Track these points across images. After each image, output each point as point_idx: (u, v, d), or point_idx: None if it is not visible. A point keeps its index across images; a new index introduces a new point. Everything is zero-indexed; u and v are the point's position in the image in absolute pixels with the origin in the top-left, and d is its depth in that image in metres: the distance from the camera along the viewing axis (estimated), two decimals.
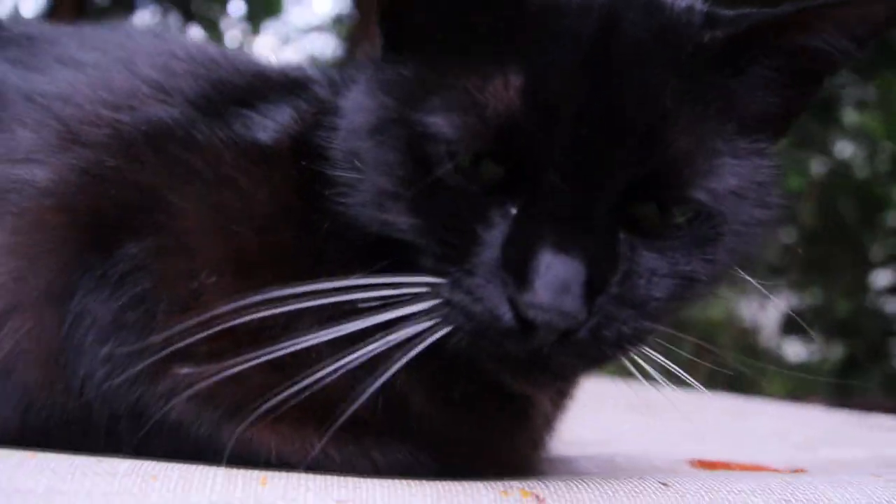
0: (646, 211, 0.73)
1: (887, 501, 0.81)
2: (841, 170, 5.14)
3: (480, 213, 0.71)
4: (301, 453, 0.78)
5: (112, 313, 0.78)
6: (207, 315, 0.74)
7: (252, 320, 0.74)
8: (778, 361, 5.38)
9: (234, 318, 0.74)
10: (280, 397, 0.74)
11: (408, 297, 0.72)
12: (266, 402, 0.75)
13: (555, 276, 0.66)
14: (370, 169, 0.75)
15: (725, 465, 1.08)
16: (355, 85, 0.82)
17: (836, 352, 5.85)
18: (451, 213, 0.72)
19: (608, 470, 1.07)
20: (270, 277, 0.76)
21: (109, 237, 0.79)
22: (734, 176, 0.74)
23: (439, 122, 0.71)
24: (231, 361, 0.74)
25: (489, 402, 0.82)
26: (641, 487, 0.78)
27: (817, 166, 4.64)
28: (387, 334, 0.72)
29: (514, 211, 0.71)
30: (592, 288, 0.68)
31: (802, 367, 5.52)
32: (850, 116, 5.42)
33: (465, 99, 0.70)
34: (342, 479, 0.73)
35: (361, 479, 0.74)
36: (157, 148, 0.82)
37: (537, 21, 0.72)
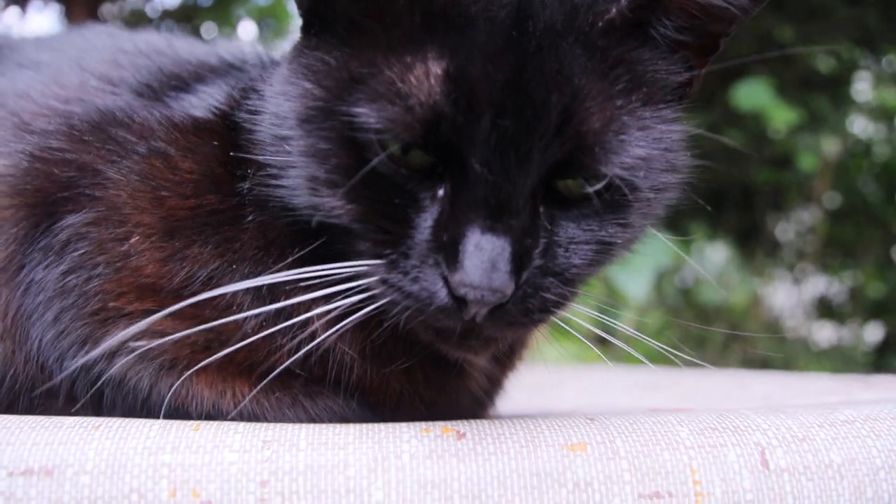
0: (566, 186, 0.77)
1: (819, 425, 0.83)
2: (857, 149, 5.07)
3: (412, 198, 0.76)
4: (233, 402, 0.83)
5: (55, 278, 0.84)
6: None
7: (176, 279, 0.80)
8: (809, 347, 5.31)
9: (161, 276, 0.80)
10: (213, 358, 0.80)
11: (345, 277, 0.77)
12: (199, 358, 0.80)
13: (483, 255, 0.71)
14: (301, 156, 0.78)
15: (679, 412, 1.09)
16: (279, 69, 0.85)
17: (870, 334, 5.75)
18: (384, 199, 0.76)
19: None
20: (196, 238, 0.82)
21: (53, 213, 0.85)
22: (641, 147, 0.78)
23: (367, 113, 0.73)
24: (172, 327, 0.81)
25: (421, 357, 0.86)
26: (567, 422, 0.81)
27: (832, 145, 4.58)
28: (322, 306, 0.78)
29: (441, 193, 0.75)
30: (518, 263, 0.73)
31: (835, 352, 5.44)
32: (864, 94, 5.35)
33: (389, 89, 0.73)
34: (270, 424, 0.78)
35: (288, 425, 0.78)
36: (99, 130, 0.88)
37: (453, 5, 0.75)
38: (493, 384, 1.00)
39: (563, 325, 0.86)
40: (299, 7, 0.83)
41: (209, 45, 1.08)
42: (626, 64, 0.78)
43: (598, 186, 0.77)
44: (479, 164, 0.72)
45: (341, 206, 0.77)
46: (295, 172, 0.79)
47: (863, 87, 5.52)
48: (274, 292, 0.81)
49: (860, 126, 5.40)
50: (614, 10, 0.78)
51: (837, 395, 1.54)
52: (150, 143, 0.86)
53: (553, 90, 0.73)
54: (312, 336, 0.81)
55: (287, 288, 0.81)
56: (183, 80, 0.97)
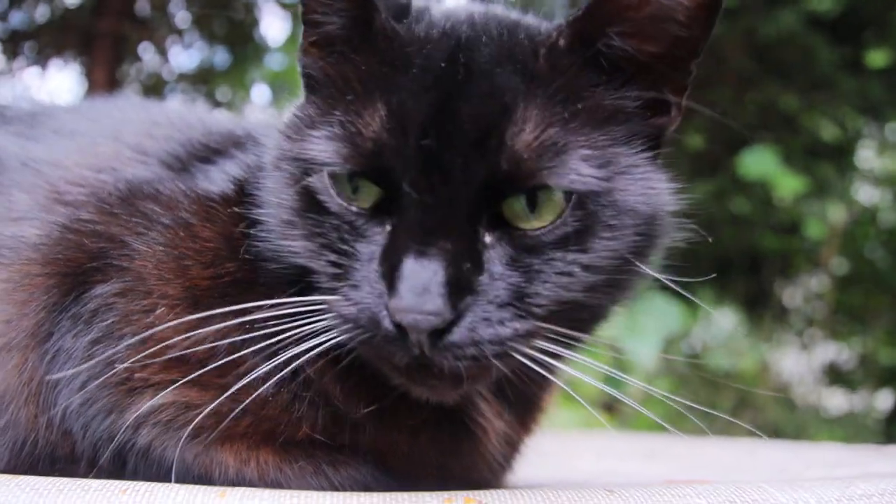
0: (511, 209, 0.77)
1: (836, 499, 0.84)
2: (864, 216, 5.10)
3: (362, 234, 0.79)
4: (257, 471, 0.84)
5: (83, 348, 0.86)
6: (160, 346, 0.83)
7: (200, 350, 0.82)
8: (819, 414, 5.25)
9: (186, 346, 0.82)
10: (231, 416, 0.83)
11: (311, 315, 0.79)
12: (224, 427, 0.82)
13: (415, 279, 0.73)
14: (274, 203, 0.84)
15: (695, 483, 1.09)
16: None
17: (881, 402, 5.68)
18: (337, 237, 0.79)
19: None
20: (217, 305, 0.84)
21: (83, 283, 0.88)
22: (591, 166, 0.77)
23: (320, 149, 0.80)
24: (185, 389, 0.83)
25: (435, 421, 0.88)
26: (586, 494, 0.82)
27: (838, 212, 4.62)
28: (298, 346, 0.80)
29: (389, 228, 0.78)
30: (455, 288, 0.74)
31: (846, 419, 5.37)
32: (868, 161, 5.41)
33: (343, 130, 0.79)
34: (295, 492, 0.79)
35: (312, 492, 0.79)
36: (127, 202, 0.92)
37: (402, 56, 0.80)
38: (511, 448, 1.00)
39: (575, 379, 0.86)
40: (300, 71, 0.90)
41: (239, 118, 1.12)
42: (571, 90, 0.79)
43: (551, 210, 0.77)
44: (408, 184, 0.75)
45: (301, 247, 0.82)
46: (271, 220, 0.85)
47: (867, 154, 5.59)
48: (288, 363, 0.82)
49: (865, 193, 5.45)
50: (555, 34, 0.81)
51: (851, 467, 1.53)
52: (174, 214, 0.89)
53: (479, 109, 0.76)
54: (325, 396, 0.84)
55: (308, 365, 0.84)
56: (211, 151, 1.01)
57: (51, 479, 0.80)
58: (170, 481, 0.84)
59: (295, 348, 0.79)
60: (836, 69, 4.71)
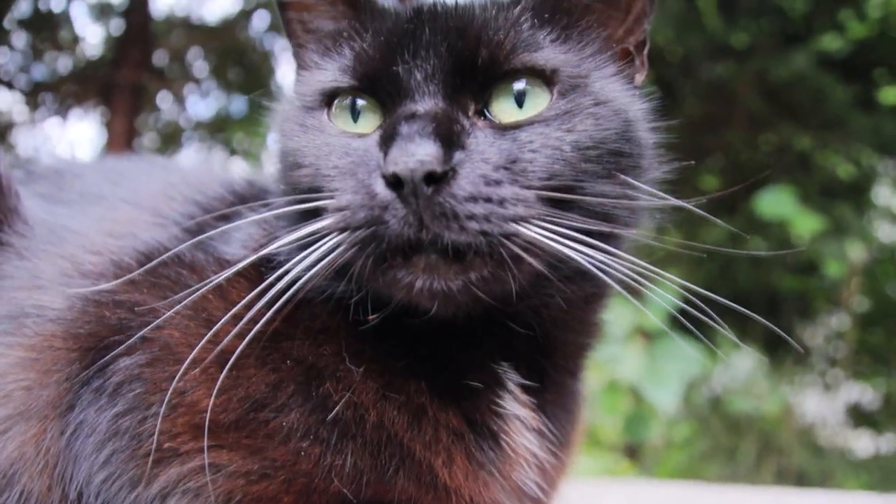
0: (500, 106, 0.82)
1: None
2: (884, 254, 5.05)
3: (363, 144, 0.82)
4: None
5: (108, 421, 0.83)
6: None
7: (231, 407, 0.81)
8: (846, 457, 5.13)
9: (218, 409, 0.80)
10: (263, 474, 0.81)
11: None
12: (254, 490, 0.80)
13: (405, 135, 0.75)
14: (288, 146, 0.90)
15: None
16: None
17: None
18: (342, 155, 0.83)
19: None
20: (249, 363, 0.83)
21: (106, 357, 0.86)
22: (564, 54, 0.85)
23: (327, 79, 0.89)
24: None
25: (468, 438, 0.86)
26: None
27: (858, 251, 4.57)
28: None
29: (381, 129, 0.82)
30: (447, 139, 0.76)
31: (874, 463, 5.24)
32: (886, 199, 5.38)
33: (340, 63, 0.88)
34: None
35: None
36: (148, 269, 0.90)
37: (378, 14, 0.90)
38: (546, 477, 0.94)
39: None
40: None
41: (257, 170, 1.12)
42: (538, 17, 0.87)
43: (534, 95, 0.83)
44: (399, 63, 0.82)
45: (306, 171, 0.85)
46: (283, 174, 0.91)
47: (883, 192, 5.56)
48: (320, 383, 0.83)
49: (884, 231, 5.40)
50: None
51: None
52: (199, 277, 0.88)
53: (458, 21, 0.84)
54: (359, 419, 0.83)
55: (339, 374, 0.84)
56: (225, 210, 1.00)
57: None
58: None
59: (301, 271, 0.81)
60: (849, 108, 4.71)
